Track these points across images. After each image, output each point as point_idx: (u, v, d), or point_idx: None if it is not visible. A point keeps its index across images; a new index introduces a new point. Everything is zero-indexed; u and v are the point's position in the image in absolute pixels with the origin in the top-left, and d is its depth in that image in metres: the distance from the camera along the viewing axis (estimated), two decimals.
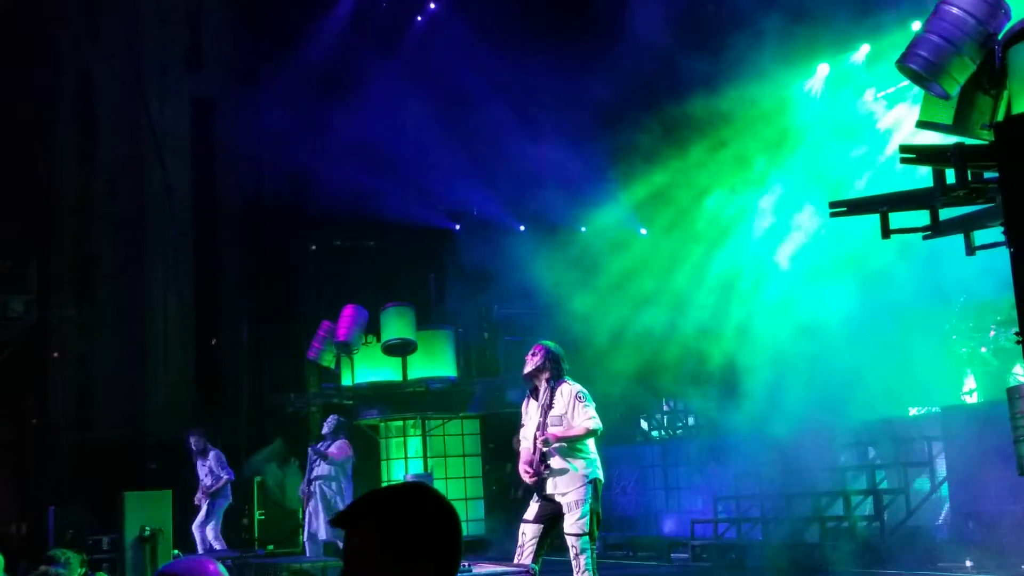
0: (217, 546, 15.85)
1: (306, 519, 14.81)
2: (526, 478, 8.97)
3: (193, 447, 16.11)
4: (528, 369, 9.05)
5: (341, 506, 14.45)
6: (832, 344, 14.22)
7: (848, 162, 16.39)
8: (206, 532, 15.89)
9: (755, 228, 17.51)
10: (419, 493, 2.64)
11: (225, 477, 15.94)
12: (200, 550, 15.34)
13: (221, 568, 3.27)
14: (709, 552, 15.90)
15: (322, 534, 14.68)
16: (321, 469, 14.69)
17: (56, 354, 21.58)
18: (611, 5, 19.41)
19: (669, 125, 17.03)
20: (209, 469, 15.97)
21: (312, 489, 14.63)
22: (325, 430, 14.91)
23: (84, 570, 7.80)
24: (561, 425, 8.81)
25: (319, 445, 14.78)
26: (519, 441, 9.26)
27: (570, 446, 8.82)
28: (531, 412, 9.08)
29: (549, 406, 8.88)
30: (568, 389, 8.90)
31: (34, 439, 21.09)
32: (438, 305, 21.88)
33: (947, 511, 13.70)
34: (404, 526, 2.55)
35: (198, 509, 15.98)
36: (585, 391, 8.94)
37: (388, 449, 20.24)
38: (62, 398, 21.49)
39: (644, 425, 20.50)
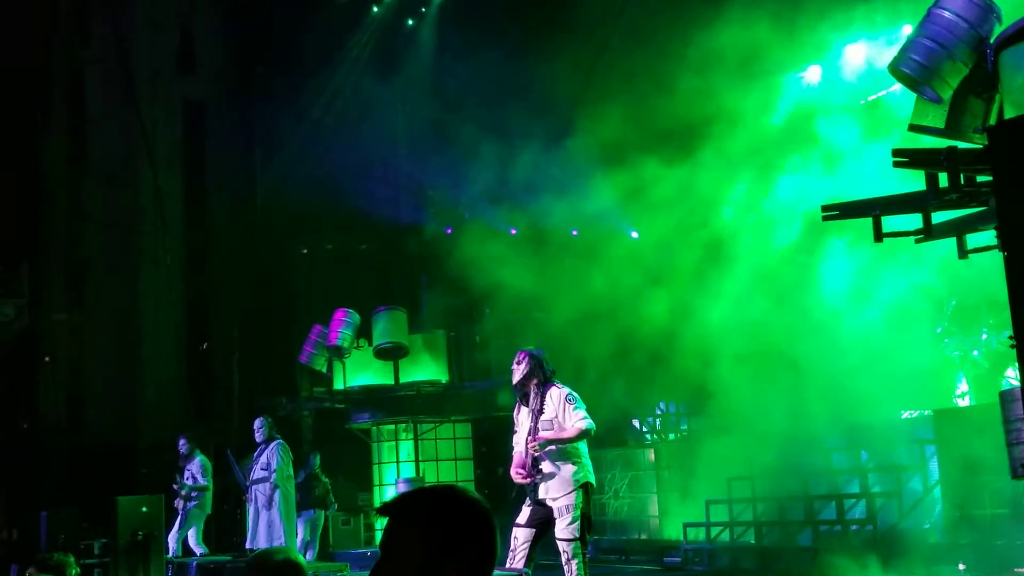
0: (199, 552, 15.71)
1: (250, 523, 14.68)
2: (518, 479, 8.97)
3: (181, 450, 15.97)
4: (517, 378, 9.04)
5: (273, 512, 14.39)
6: (825, 347, 14.21)
7: (844, 160, 16.38)
8: (188, 539, 15.65)
9: (748, 227, 17.47)
10: (460, 493, 2.72)
11: (203, 483, 15.74)
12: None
13: (300, 558, 3.44)
14: (702, 556, 15.87)
15: (249, 541, 14.52)
16: (256, 473, 14.54)
17: (47, 358, 21.54)
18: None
19: (658, 122, 16.99)
20: (191, 475, 15.80)
21: (249, 494, 14.54)
22: (258, 437, 14.61)
23: (77, 571, 7.76)
24: (552, 429, 8.80)
25: (258, 452, 14.59)
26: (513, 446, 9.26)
27: (563, 450, 8.81)
28: (522, 419, 9.07)
29: (540, 411, 8.87)
30: (557, 393, 8.89)
31: (25, 443, 21.02)
32: (430, 309, 21.85)
33: (940, 514, 13.69)
34: (444, 522, 2.62)
35: (176, 514, 15.69)
36: (575, 394, 8.93)
37: (380, 453, 20.21)
38: (53, 402, 21.43)
39: (637, 428, 20.49)
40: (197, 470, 15.70)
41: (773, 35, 15.25)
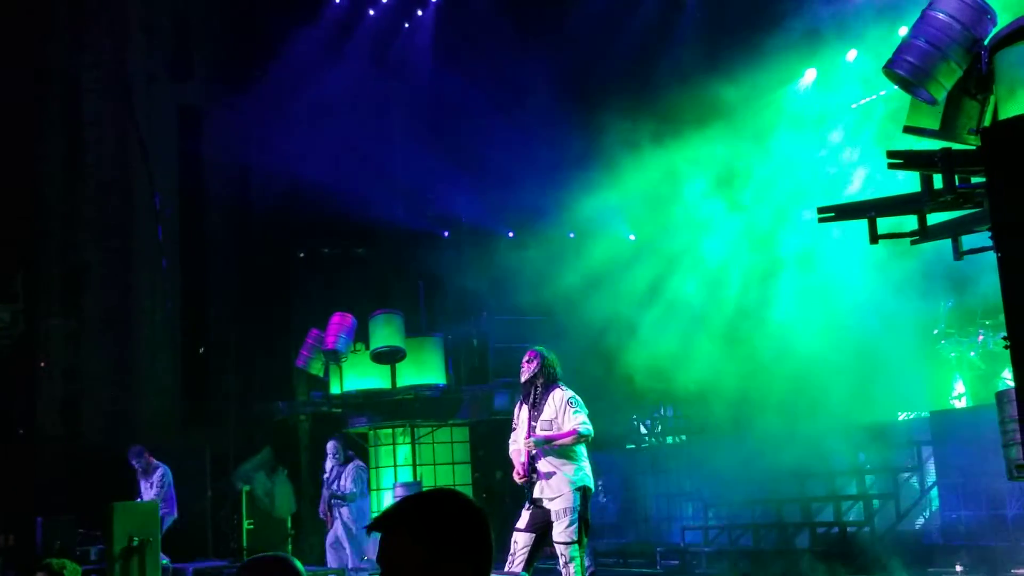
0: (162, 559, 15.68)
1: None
2: (516, 479, 8.99)
3: (135, 466, 15.76)
4: (525, 376, 9.08)
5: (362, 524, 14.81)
6: (821, 349, 14.20)
7: (841, 161, 16.37)
8: None
9: (746, 228, 17.45)
10: (450, 497, 2.72)
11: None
12: None
13: (298, 564, 3.46)
14: (700, 559, 15.88)
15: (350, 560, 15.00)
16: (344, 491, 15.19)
17: (43, 364, 21.49)
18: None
19: (655, 123, 16.98)
20: (152, 485, 15.69)
21: (334, 514, 15.03)
22: (330, 461, 15.29)
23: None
24: (551, 430, 8.81)
25: (330, 477, 15.17)
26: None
27: (560, 452, 8.81)
28: (523, 417, 9.08)
29: (540, 410, 8.89)
30: (560, 395, 8.92)
31: (21, 449, 20.96)
32: (427, 312, 21.82)
33: (937, 515, 13.70)
34: (439, 528, 2.62)
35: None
36: (577, 397, 8.95)
37: (377, 457, 20.16)
38: (49, 408, 21.39)
39: (635, 430, 20.45)
40: (158, 482, 15.61)
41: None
